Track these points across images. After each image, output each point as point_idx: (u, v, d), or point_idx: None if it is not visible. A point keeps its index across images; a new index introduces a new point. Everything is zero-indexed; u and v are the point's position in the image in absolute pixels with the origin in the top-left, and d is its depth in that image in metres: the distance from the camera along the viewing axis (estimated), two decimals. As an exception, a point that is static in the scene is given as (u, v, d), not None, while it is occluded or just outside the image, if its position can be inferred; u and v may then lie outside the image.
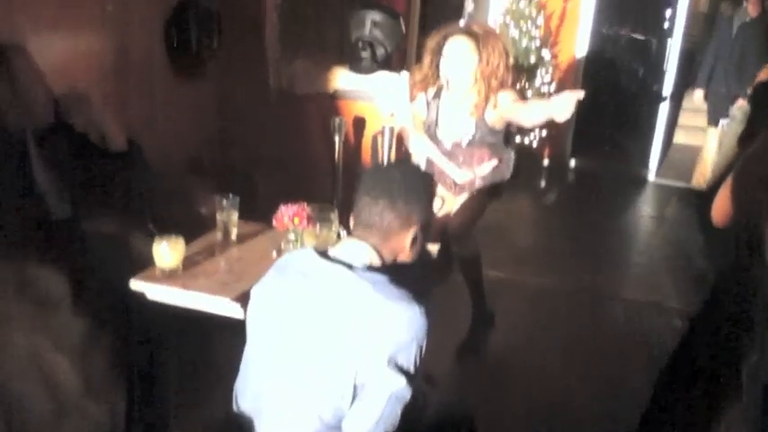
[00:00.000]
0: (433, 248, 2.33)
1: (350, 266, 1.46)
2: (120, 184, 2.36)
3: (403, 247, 1.54)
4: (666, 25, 6.52)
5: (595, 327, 3.49)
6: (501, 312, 3.37)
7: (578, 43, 6.41)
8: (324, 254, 1.51)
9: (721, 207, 1.70)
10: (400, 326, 1.38)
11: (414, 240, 1.55)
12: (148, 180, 2.46)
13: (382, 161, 1.50)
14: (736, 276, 1.75)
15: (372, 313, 1.38)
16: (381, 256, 1.52)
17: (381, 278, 1.44)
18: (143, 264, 2.03)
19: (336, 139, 3.54)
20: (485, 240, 4.43)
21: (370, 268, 1.48)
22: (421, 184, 1.57)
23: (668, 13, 6.51)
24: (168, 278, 1.97)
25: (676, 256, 4.59)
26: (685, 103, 7.71)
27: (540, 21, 6.04)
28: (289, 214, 2.08)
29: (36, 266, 2.07)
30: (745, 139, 3.27)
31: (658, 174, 6.56)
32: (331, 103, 3.85)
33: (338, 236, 2.15)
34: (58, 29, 2.76)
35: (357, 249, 1.51)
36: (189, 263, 2.07)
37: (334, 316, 1.41)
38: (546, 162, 6.60)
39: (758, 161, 1.63)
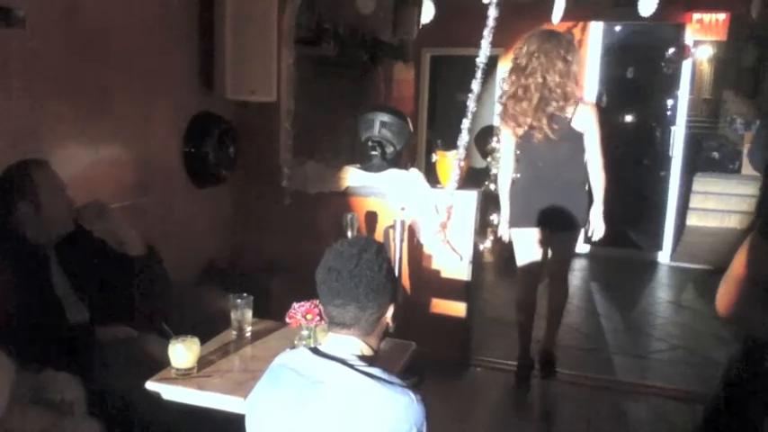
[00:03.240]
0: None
1: (343, 361, 1.47)
2: (137, 287, 2.43)
3: (386, 325, 1.58)
4: (669, 113, 6.70)
5: (620, 421, 3.44)
6: (522, 411, 3.32)
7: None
8: (316, 351, 1.52)
9: (723, 299, 1.69)
10: (398, 415, 1.39)
11: (393, 315, 1.56)
12: (164, 283, 2.53)
13: (338, 252, 1.36)
14: (744, 366, 1.73)
15: (370, 405, 1.39)
16: (369, 344, 1.54)
17: (376, 370, 1.45)
18: (159, 364, 2.07)
19: (349, 234, 3.63)
20: (501, 332, 4.47)
21: (363, 358, 1.49)
22: (379, 269, 1.49)
23: (670, 102, 6.70)
24: (183, 378, 2.00)
25: (696, 342, 4.53)
26: (696, 187, 7.82)
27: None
28: (301, 311, 2.12)
29: (52, 371, 2.12)
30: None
31: (673, 257, 6.56)
32: (343, 200, 3.96)
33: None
34: (79, 142, 2.90)
35: (346, 343, 1.51)
36: (203, 362, 2.10)
37: (334, 412, 1.41)
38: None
39: (748, 262, 1.64)
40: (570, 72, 3.33)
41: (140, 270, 2.44)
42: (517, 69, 3.43)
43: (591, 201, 3.51)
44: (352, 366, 1.45)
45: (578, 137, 3.40)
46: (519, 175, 3.69)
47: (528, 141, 3.47)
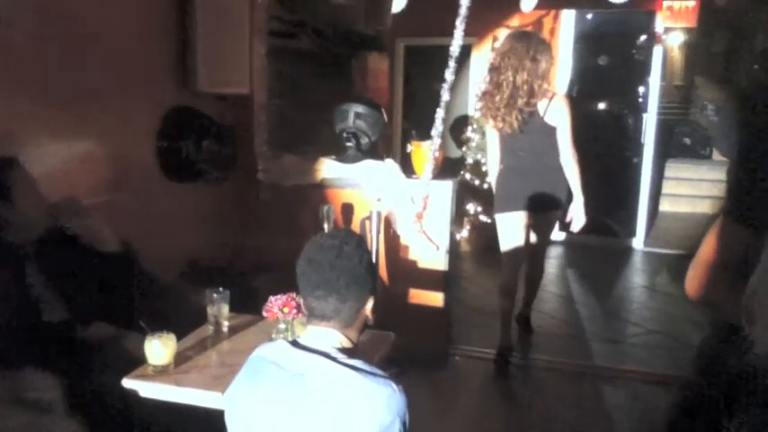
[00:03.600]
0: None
1: (324, 354, 1.47)
2: (114, 284, 2.40)
3: (366, 318, 1.58)
4: (641, 100, 6.77)
5: (598, 405, 3.49)
6: (503, 398, 3.35)
7: (558, 122, 6.62)
8: (296, 343, 1.52)
9: (692, 282, 1.72)
10: (380, 406, 1.40)
11: (373, 307, 1.57)
12: (142, 280, 2.51)
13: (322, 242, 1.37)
14: (715, 348, 1.76)
15: (352, 397, 1.40)
16: (349, 337, 1.54)
17: (357, 362, 1.46)
18: (137, 362, 2.05)
19: (326, 226, 3.61)
20: (480, 322, 4.51)
21: (343, 351, 1.50)
22: (360, 261, 1.51)
23: (642, 89, 6.77)
24: (160, 375, 1.99)
25: (671, 326, 4.61)
26: (668, 173, 7.91)
27: (519, 103, 6.25)
28: (278, 305, 2.11)
29: (31, 370, 2.09)
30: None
31: (646, 243, 6.65)
32: (319, 192, 3.95)
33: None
34: (51, 139, 2.85)
35: (326, 335, 1.52)
36: (181, 358, 2.09)
37: (316, 404, 1.42)
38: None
39: (717, 246, 1.66)
40: (539, 70, 3.56)
41: (116, 267, 2.41)
42: (492, 68, 3.70)
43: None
44: (333, 359, 1.45)
45: (552, 130, 3.64)
46: (503, 165, 3.91)
47: (507, 134, 3.72)
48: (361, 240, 1.57)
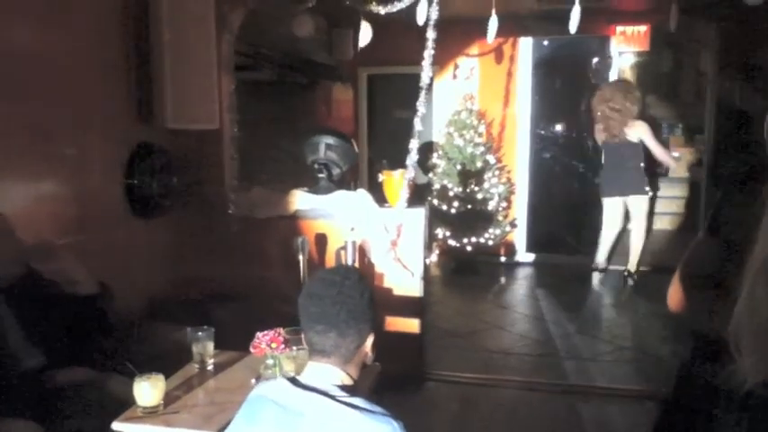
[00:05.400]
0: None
1: (323, 392, 1.46)
2: (95, 327, 2.38)
3: (365, 355, 1.59)
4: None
5: (573, 424, 3.54)
6: (480, 420, 3.37)
7: (520, 146, 6.79)
8: (295, 381, 1.52)
9: (673, 296, 1.78)
10: None
11: (374, 344, 1.58)
12: (119, 321, 2.49)
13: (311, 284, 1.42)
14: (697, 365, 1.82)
15: None
16: (349, 374, 1.55)
17: (357, 399, 1.46)
18: (123, 404, 2.03)
19: (300, 257, 3.62)
20: (453, 344, 4.56)
21: (343, 388, 1.50)
22: (361, 297, 1.52)
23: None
24: (150, 417, 1.97)
25: (640, 341, 4.72)
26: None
27: (482, 128, 6.40)
28: (266, 340, 2.13)
29: (10, 419, 2.05)
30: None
31: (611, 261, 6.78)
32: (292, 223, 3.96)
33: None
34: (14, 181, 2.81)
35: (326, 373, 1.52)
36: (169, 398, 2.08)
37: None
38: (503, 259, 6.81)
39: (692, 263, 1.73)
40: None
41: (94, 309, 2.39)
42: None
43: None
44: (332, 397, 1.45)
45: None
46: None
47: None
48: (362, 276, 1.59)
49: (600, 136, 5.90)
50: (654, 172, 6.07)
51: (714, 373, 1.66)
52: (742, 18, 4.72)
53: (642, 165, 5.73)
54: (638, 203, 5.83)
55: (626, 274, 5.96)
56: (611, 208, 5.96)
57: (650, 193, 5.88)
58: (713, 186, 5.92)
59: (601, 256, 6.15)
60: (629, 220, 5.98)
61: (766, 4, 3.74)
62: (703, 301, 1.68)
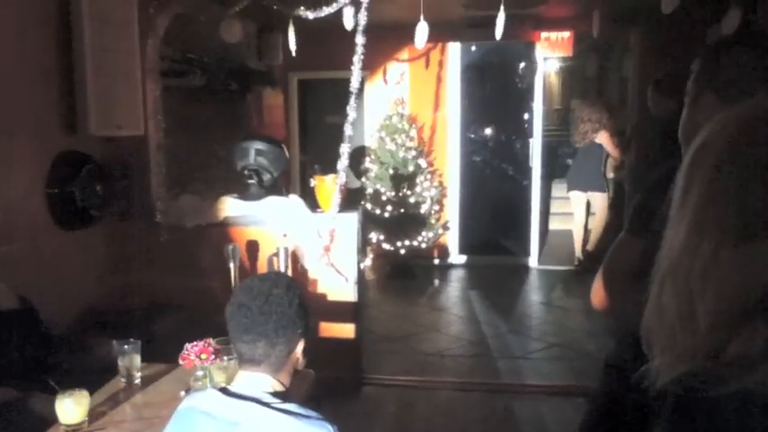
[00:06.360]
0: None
1: (257, 400, 1.45)
2: (14, 344, 2.28)
3: (296, 362, 1.58)
4: (526, 126, 7.14)
5: (506, 422, 3.61)
6: (419, 422, 3.39)
7: (451, 150, 6.89)
8: (226, 391, 1.50)
9: (597, 294, 1.83)
10: None
11: (304, 350, 1.58)
12: (43, 336, 2.40)
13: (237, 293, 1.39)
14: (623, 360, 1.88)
15: None
16: (280, 381, 1.54)
17: (291, 405, 1.45)
18: (48, 423, 1.95)
19: (231, 265, 3.56)
20: (389, 348, 4.58)
21: (276, 395, 1.48)
22: (290, 305, 1.51)
23: (526, 115, 7.14)
24: (74, 435, 1.90)
25: (569, 338, 4.85)
26: (555, 192, 8.34)
27: (413, 133, 6.46)
28: (195, 351, 2.08)
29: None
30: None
31: (540, 261, 6.97)
32: (222, 231, 3.90)
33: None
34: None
35: (257, 381, 1.50)
36: (94, 415, 2.00)
37: None
38: (436, 261, 6.90)
39: (613, 262, 1.79)
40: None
41: (14, 325, 2.29)
42: None
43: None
44: (266, 404, 1.44)
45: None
46: None
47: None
48: (291, 283, 1.57)
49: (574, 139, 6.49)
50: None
51: (634, 370, 1.73)
52: (660, 24, 4.92)
53: (603, 168, 6.33)
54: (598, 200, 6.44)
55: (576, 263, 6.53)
56: (576, 201, 6.57)
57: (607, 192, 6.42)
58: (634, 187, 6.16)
59: (577, 251, 6.58)
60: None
61: (681, 9, 3.91)
62: (624, 300, 1.74)
